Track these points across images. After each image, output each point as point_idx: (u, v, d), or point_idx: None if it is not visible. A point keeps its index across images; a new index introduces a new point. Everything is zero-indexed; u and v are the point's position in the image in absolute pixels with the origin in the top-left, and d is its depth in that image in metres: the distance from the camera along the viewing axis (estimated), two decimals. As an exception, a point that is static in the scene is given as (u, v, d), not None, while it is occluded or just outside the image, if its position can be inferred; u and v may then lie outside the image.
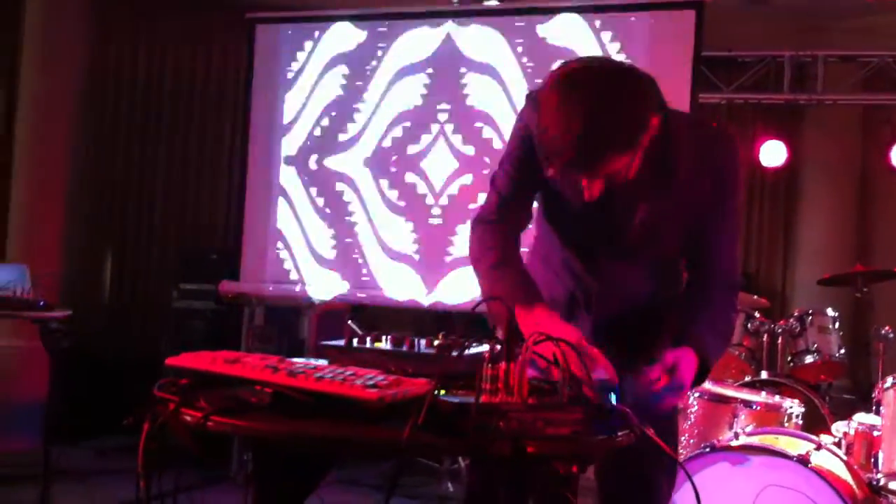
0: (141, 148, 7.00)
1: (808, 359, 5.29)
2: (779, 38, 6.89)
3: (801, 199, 7.77)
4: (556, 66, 2.05)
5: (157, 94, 7.01)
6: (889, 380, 3.38)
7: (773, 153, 6.99)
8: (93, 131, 6.86)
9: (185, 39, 6.95)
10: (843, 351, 5.35)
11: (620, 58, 5.01)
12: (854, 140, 7.50)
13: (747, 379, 5.02)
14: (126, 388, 6.17)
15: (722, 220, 2.24)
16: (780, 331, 5.39)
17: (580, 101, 1.91)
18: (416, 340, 2.05)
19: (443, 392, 1.69)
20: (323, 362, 1.90)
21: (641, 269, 2.30)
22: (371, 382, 1.65)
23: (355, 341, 2.02)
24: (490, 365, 1.69)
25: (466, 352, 1.90)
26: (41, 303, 4.51)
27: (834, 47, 6.71)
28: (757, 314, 5.42)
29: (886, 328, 4.84)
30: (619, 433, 1.75)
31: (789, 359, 5.37)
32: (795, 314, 5.48)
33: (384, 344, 2.05)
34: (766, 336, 5.39)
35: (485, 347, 1.81)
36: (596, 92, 1.92)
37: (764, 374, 5.15)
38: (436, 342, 2.03)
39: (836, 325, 5.40)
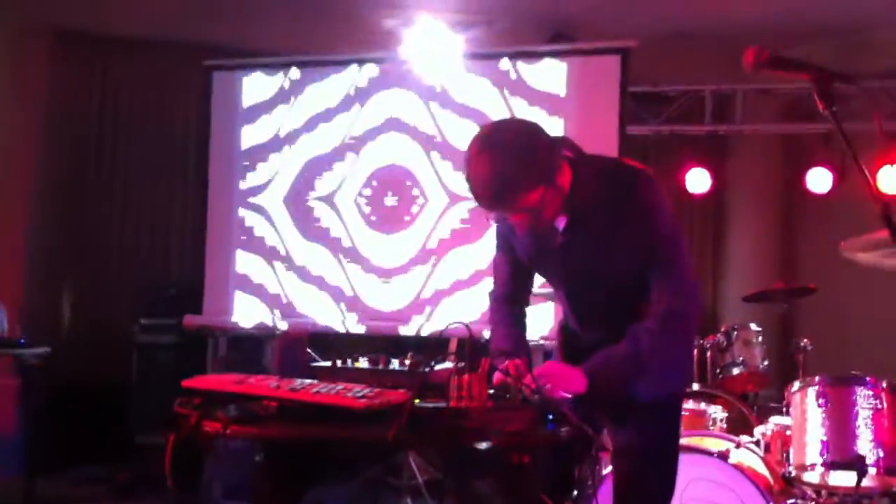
0: (100, 186, 7.21)
1: (735, 370, 5.61)
2: (702, 71, 7.34)
3: (727, 222, 8.24)
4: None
5: (117, 133, 7.21)
6: (796, 384, 3.83)
7: (698, 180, 7.42)
8: (53, 169, 7.07)
9: (144, 80, 7.20)
10: (766, 362, 5.71)
11: (554, 98, 5.52)
12: (774, 166, 7.98)
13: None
14: (95, 420, 6.47)
15: (651, 255, 2.52)
16: (708, 345, 5.77)
17: (489, 154, 2.36)
18: (389, 360, 2.43)
19: (418, 400, 2.08)
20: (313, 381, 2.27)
21: (602, 305, 2.67)
22: (360, 394, 2.02)
23: (339, 363, 2.39)
24: (457, 377, 2.08)
25: (435, 368, 2.29)
26: (21, 340, 4.77)
27: (752, 81, 7.14)
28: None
29: (805, 341, 5.26)
30: (562, 430, 2.14)
31: (718, 371, 5.70)
32: (723, 329, 5.85)
33: (363, 364, 2.42)
34: (696, 351, 5.78)
35: (448, 365, 2.21)
36: (501, 145, 2.37)
37: (696, 386, 5.53)
38: (407, 361, 2.41)
39: (760, 338, 5.76)
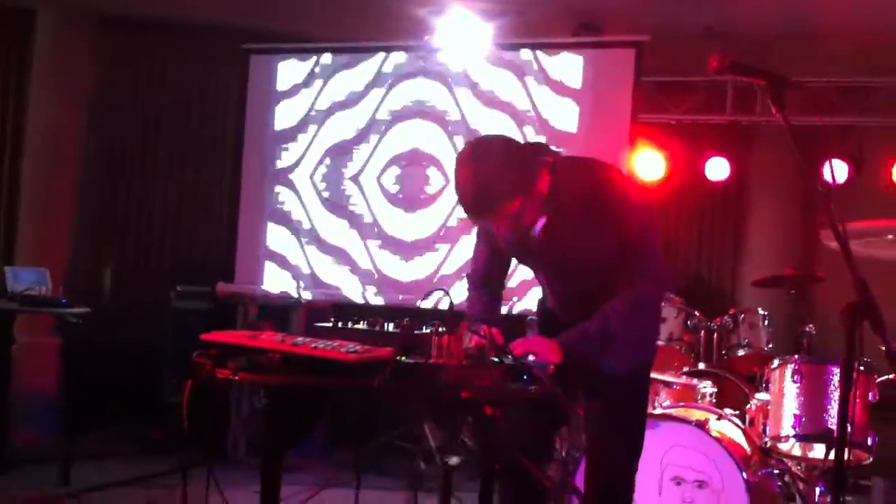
0: (142, 161, 7.59)
1: (741, 352, 5.86)
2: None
3: (747, 210, 8.41)
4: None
5: (158, 112, 7.59)
6: (776, 361, 4.10)
7: (716, 168, 7.65)
8: (98, 144, 7.46)
9: (184, 65, 7.55)
10: (771, 345, 5.93)
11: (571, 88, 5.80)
12: (793, 156, 8.12)
13: (685, 369, 5.68)
14: (131, 381, 6.85)
15: (622, 244, 2.82)
16: (715, 327, 6.00)
17: (472, 169, 2.69)
18: (385, 323, 2.74)
19: (403, 357, 2.39)
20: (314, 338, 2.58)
21: (577, 290, 2.98)
22: (352, 349, 2.34)
23: (339, 324, 2.71)
24: (437, 338, 2.39)
25: (419, 331, 2.60)
26: (63, 300, 5.15)
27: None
28: (697, 313, 6.04)
29: (810, 325, 5.48)
30: (532, 387, 2.45)
31: (724, 352, 5.94)
32: (730, 312, 6.09)
33: (362, 325, 2.74)
34: (703, 332, 6.01)
35: (430, 329, 2.52)
36: (482, 161, 2.69)
37: (702, 366, 5.77)
38: (400, 326, 2.72)
39: (766, 322, 5.99)
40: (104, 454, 6.18)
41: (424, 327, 2.62)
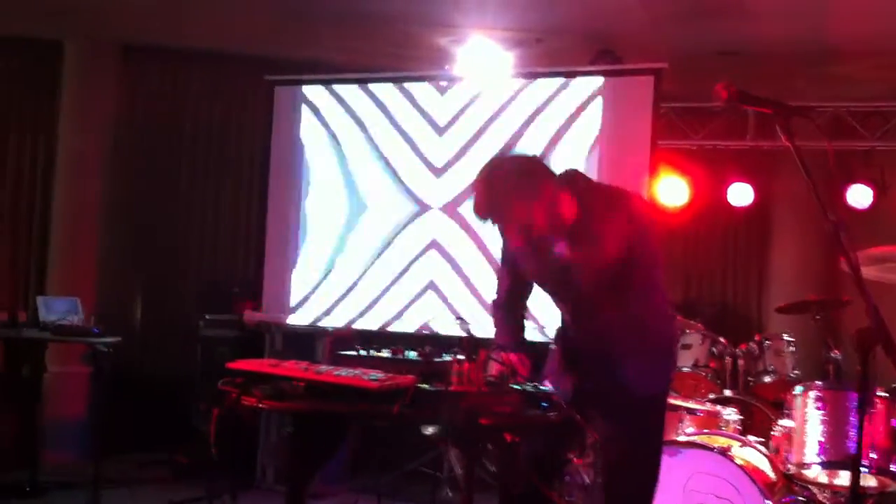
0: (168, 191, 7.69)
1: (766, 378, 5.86)
2: (745, 88, 7.55)
3: (771, 235, 8.42)
4: None
5: (183, 141, 7.71)
6: (798, 388, 4.09)
7: (740, 194, 7.67)
8: (124, 173, 7.58)
9: (209, 94, 7.68)
10: (797, 371, 5.92)
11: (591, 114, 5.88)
12: (817, 181, 8.11)
13: (711, 396, 5.67)
14: (161, 407, 6.93)
15: (633, 270, 2.93)
16: (741, 353, 5.98)
17: (485, 177, 2.86)
18: (405, 351, 2.79)
19: (424, 385, 2.44)
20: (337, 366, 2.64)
21: (589, 305, 3.03)
22: (374, 377, 2.39)
23: (363, 352, 2.76)
24: (457, 365, 2.44)
25: (440, 359, 2.66)
26: (95, 329, 5.24)
27: (793, 99, 7.33)
28: (722, 339, 6.03)
29: (835, 351, 5.47)
30: (551, 413, 2.49)
31: (750, 378, 5.95)
32: (756, 339, 6.07)
33: (384, 353, 2.79)
34: (728, 359, 6.00)
35: (450, 357, 2.57)
36: (499, 167, 2.87)
37: (728, 392, 5.76)
38: (421, 353, 2.77)
39: (792, 348, 5.98)
40: (133, 480, 6.24)
41: (445, 355, 2.67)
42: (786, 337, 6.00)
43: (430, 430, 2.56)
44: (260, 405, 2.37)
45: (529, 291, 3.26)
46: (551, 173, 2.94)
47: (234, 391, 2.45)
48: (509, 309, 3.24)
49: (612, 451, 3.05)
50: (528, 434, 2.54)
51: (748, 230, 8.45)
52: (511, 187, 2.80)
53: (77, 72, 7.44)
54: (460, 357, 2.45)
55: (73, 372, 6.93)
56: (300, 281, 6.63)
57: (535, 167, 2.90)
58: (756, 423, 5.37)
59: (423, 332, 6.13)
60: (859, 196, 7.47)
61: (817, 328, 6.41)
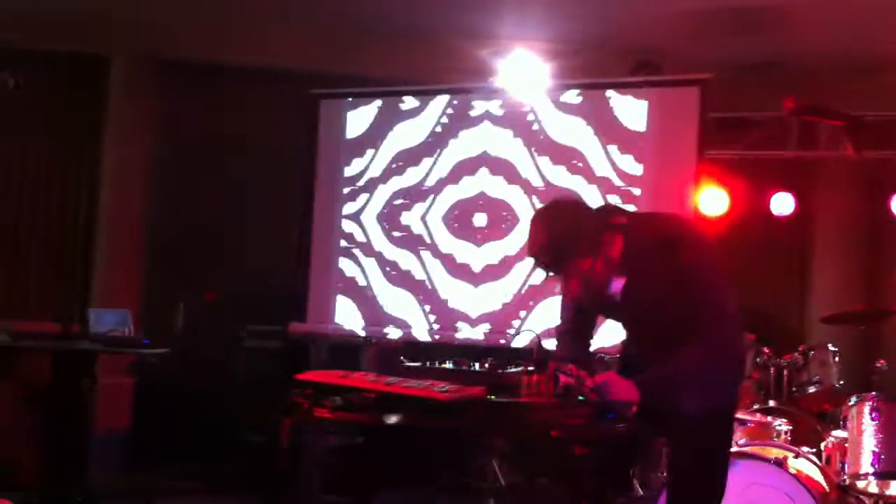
0: (210, 207, 7.78)
1: (811, 389, 5.81)
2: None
3: (813, 245, 8.37)
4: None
5: (225, 154, 7.76)
6: (853, 398, 4.09)
7: (782, 204, 7.64)
8: (167, 187, 7.67)
9: (252, 108, 7.73)
10: (842, 382, 5.88)
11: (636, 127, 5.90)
12: (859, 191, 8.10)
13: (756, 406, 5.65)
14: (204, 418, 7.00)
15: (697, 301, 2.95)
16: (785, 364, 5.96)
17: (542, 228, 2.92)
18: (471, 363, 2.83)
19: (492, 396, 2.47)
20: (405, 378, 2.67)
21: (657, 338, 3.06)
22: (444, 389, 2.42)
23: (427, 363, 2.79)
24: (527, 377, 2.46)
25: (504, 370, 2.69)
26: (145, 341, 5.32)
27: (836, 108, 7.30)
28: (766, 350, 6.00)
29: (882, 362, 5.44)
30: (619, 425, 2.51)
31: (794, 389, 5.91)
32: (800, 349, 6.04)
33: (447, 365, 2.82)
34: (772, 369, 5.97)
35: (519, 368, 2.60)
36: (553, 221, 2.93)
37: (772, 403, 5.74)
38: (486, 365, 2.80)
39: (836, 358, 5.93)
40: (179, 491, 6.30)
41: (509, 367, 2.70)
42: (830, 347, 5.97)
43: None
44: (332, 416, 2.40)
45: (594, 322, 3.34)
46: (602, 217, 3.00)
47: (306, 402, 2.49)
48: (573, 334, 3.29)
49: (677, 466, 3.07)
50: (597, 446, 2.56)
51: (789, 240, 8.41)
52: (571, 245, 2.87)
53: (122, 86, 7.55)
54: (529, 369, 2.48)
55: (116, 383, 7.01)
56: (345, 292, 6.68)
57: (587, 217, 2.97)
58: (801, 434, 5.34)
59: (473, 343, 6.15)
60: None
61: (861, 338, 6.40)
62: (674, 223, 3.11)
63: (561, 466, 2.53)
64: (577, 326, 3.30)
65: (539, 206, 3.10)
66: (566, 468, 2.51)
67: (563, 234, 2.86)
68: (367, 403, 2.46)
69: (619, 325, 3.30)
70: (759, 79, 7.35)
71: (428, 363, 2.82)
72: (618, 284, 3.00)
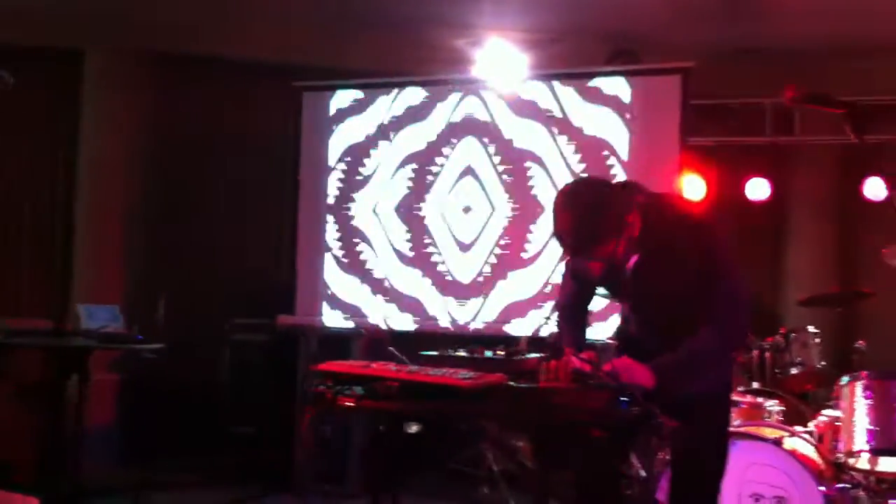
0: (192, 201, 7.75)
1: (793, 370, 5.89)
2: (763, 85, 7.65)
3: (787, 229, 8.51)
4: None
5: (212, 146, 7.74)
6: (845, 378, 4.20)
7: (757, 189, 7.76)
8: (152, 180, 7.63)
9: (234, 100, 7.72)
10: (823, 362, 6.00)
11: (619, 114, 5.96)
12: (833, 175, 8.25)
13: (741, 388, 5.75)
14: (189, 412, 6.99)
15: (711, 284, 2.97)
16: (767, 347, 6.06)
17: (570, 213, 2.87)
18: (483, 350, 2.87)
19: (511, 382, 2.52)
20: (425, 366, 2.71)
21: (663, 322, 3.11)
22: (466, 376, 2.46)
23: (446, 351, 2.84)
24: (545, 363, 2.52)
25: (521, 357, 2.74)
26: (138, 336, 5.31)
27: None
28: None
29: (860, 342, 5.56)
30: (633, 409, 2.57)
31: (777, 371, 6.02)
32: (781, 332, 6.15)
33: (462, 353, 2.87)
34: (755, 352, 6.08)
35: (535, 355, 2.65)
36: (580, 206, 2.88)
37: (755, 385, 5.85)
38: (500, 352, 2.85)
39: (817, 340, 6.04)
40: (174, 485, 6.30)
41: (523, 354, 2.75)
42: (811, 329, 6.08)
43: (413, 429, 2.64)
44: (359, 405, 2.44)
45: (592, 298, 3.35)
46: (625, 197, 2.98)
47: (329, 392, 2.52)
48: (573, 312, 3.33)
49: (682, 448, 3.13)
50: (615, 429, 2.62)
51: (764, 225, 8.53)
52: (600, 227, 2.85)
53: (99, 79, 7.49)
54: (546, 355, 2.53)
55: (101, 380, 6.97)
56: (332, 284, 6.71)
57: (615, 199, 2.94)
58: (786, 415, 5.44)
59: (464, 332, 6.22)
60: (875, 189, 7.57)
61: (838, 320, 6.53)
62: (692, 206, 3.18)
63: (580, 450, 2.57)
64: (577, 300, 3.33)
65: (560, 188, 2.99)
66: (585, 452, 2.56)
67: (593, 217, 2.85)
68: (390, 392, 2.49)
69: (619, 303, 3.32)
70: (735, 66, 7.45)
71: (444, 351, 2.85)
72: (633, 261, 3.02)
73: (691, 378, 2.91)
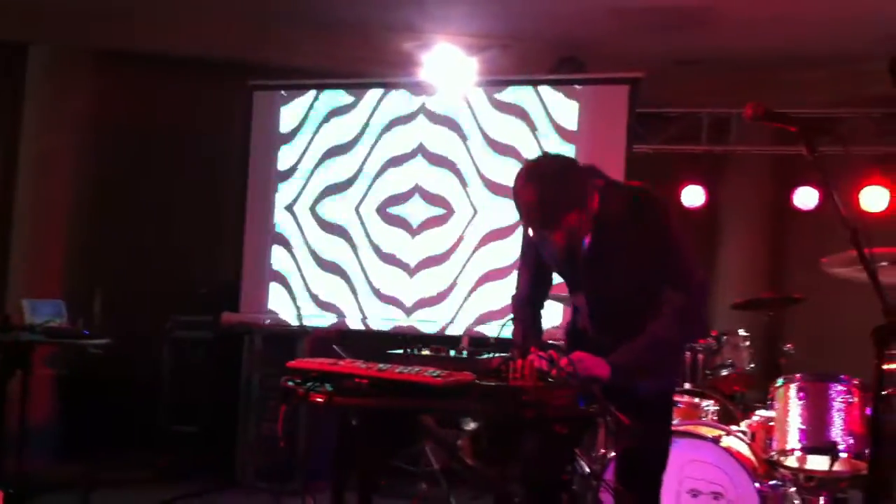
0: (139, 196, 7.71)
1: (724, 372, 6.06)
2: (700, 95, 7.90)
3: (720, 235, 8.77)
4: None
5: (158, 144, 7.71)
6: (780, 380, 4.40)
7: (692, 196, 8.00)
8: (94, 179, 7.57)
9: (180, 96, 7.67)
10: (753, 365, 6.19)
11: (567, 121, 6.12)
12: (764, 184, 8.54)
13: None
14: (131, 409, 6.95)
15: (665, 266, 3.07)
16: (700, 349, 6.26)
17: (534, 185, 2.93)
18: (447, 350, 2.97)
19: (479, 381, 2.62)
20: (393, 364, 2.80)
21: (617, 309, 3.19)
22: (436, 374, 2.56)
23: (408, 351, 2.93)
24: (512, 362, 2.63)
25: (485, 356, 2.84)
26: (85, 331, 5.29)
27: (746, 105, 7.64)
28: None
29: (789, 346, 5.78)
30: (591, 406, 2.70)
31: (708, 372, 6.20)
32: (713, 334, 6.35)
33: (425, 352, 2.96)
34: (688, 353, 6.27)
35: (499, 354, 2.77)
36: (544, 177, 2.95)
37: (687, 386, 6.03)
38: (464, 352, 2.95)
39: (748, 343, 6.26)
40: (117, 482, 6.27)
41: (489, 353, 2.86)
42: (742, 332, 6.29)
43: (470, 426, 2.72)
44: (332, 402, 2.52)
45: (549, 288, 3.43)
46: (586, 175, 3.06)
47: (301, 389, 2.60)
48: (530, 304, 3.39)
49: (626, 441, 3.25)
50: (573, 426, 2.74)
51: (698, 231, 8.78)
52: (564, 198, 2.92)
53: (42, 75, 7.41)
54: (511, 354, 2.64)
55: (37, 374, 6.90)
56: (278, 282, 6.75)
57: (577, 171, 3.02)
58: (717, 415, 5.63)
59: (408, 331, 6.33)
60: (806, 198, 7.87)
61: (767, 324, 6.77)
62: (648, 191, 3.18)
63: (542, 446, 2.68)
64: (533, 292, 3.40)
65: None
66: (547, 448, 2.68)
67: (559, 186, 2.92)
68: (360, 389, 2.58)
69: (570, 295, 3.38)
70: (676, 75, 7.67)
71: (408, 350, 2.94)
72: (587, 240, 3.09)
73: (646, 370, 3.01)
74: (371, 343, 6.49)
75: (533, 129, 6.36)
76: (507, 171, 6.39)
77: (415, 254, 6.54)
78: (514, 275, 3.48)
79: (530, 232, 3.10)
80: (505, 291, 3.57)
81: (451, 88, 6.72)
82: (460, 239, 6.43)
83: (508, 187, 3.04)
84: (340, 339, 6.39)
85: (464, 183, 6.46)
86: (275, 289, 6.78)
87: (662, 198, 3.19)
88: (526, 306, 3.39)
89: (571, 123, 6.26)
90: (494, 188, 6.37)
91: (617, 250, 3.09)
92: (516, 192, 2.97)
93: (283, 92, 6.88)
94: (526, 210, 2.96)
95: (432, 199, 6.53)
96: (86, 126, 7.51)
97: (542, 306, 3.44)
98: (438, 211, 6.52)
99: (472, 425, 2.72)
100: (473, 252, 6.46)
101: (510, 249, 6.12)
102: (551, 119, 6.31)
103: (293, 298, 6.75)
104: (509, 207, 3.23)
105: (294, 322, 6.64)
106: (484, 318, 6.32)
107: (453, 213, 6.47)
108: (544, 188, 2.91)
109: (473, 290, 6.39)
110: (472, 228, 6.41)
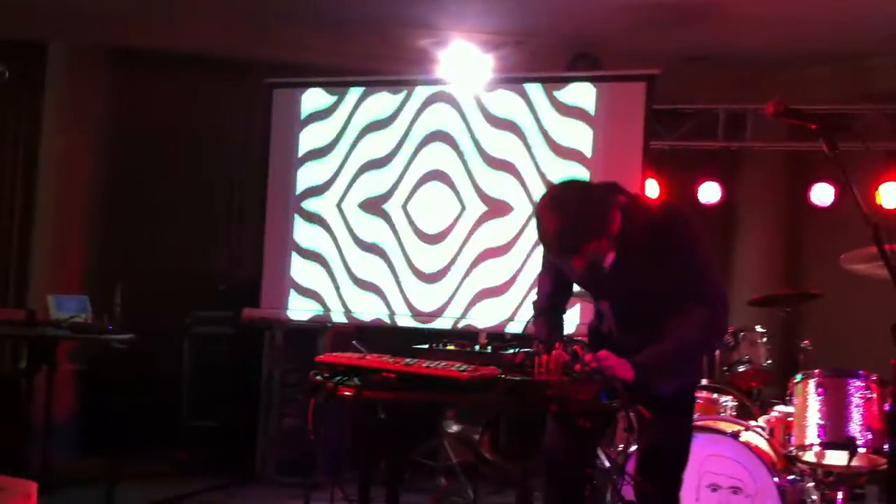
0: (158, 194, 7.75)
1: (741, 368, 6.09)
2: (716, 92, 7.92)
3: (737, 232, 8.77)
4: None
5: (176, 142, 7.74)
6: (798, 376, 4.44)
7: (709, 192, 8.02)
8: (113, 178, 7.63)
9: (200, 96, 7.70)
10: (770, 361, 6.20)
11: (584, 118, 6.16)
12: (781, 180, 8.55)
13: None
14: (152, 405, 7.01)
15: (689, 279, 3.12)
16: (717, 345, 6.28)
17: (557, 214, 2.96)
18: (472, 345, 3.03)
19: (504, 375, 2.68)
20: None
21: (642, 317, 3.22)
22: (463, 368, 2.61)
23: (434, 346, 2.98)
24: (537, 357, 2.68)
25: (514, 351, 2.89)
26: (109, 327, 5.36)
27: (762, 101, 7.63)
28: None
29: (806, 342, 5.81)
30: (614, 402, 2.74)
31: (725, 368, 6.22)
32: (731, 331, 6.37)
33: (451, 347, 3.02)
34: (706, 350, 6.29)
35: (524, 350, 2.82)
36: (566, 206, 2.98)
37: (704, 382, 6.05)
38: (488, 347, 3.00)
39: (765, 339, 6.27)
40: (134, 476, 6.34)
41: (514, 348, 2.92)
42: (759, 329, 6.31)
43: (453, 429, 2.79)
44: (360, 396, 2.57)
45: (570, 296, 3.49)
46: (608, 197, 3.10)
47: (331, 382, 2.65)
48: (550, 311, 3.43)
49: (648, 436, 3.30)
50: (597, 420, 2.79)
51: (714, 227, 8.78)
52: (586, 228, 2.95)
53: (61, 74, 7.46)
54: (536, 350, 2.69)
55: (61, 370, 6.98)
56: (299, 278, 6.80)
57: (599, 199, 3.05)
58: (734, 411, 5.67)
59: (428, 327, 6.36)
60: (822, 195, 7.87)
61: (784, 320, 6.79)
62: (671, 210, 3.24)
63: (565, 440, 2.73)
64: (554, 300, 3.44)
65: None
66: (570, 442, 2.73)
67: (579, 217, 2.95)
68: (388, 383, 2.63)
69: (594, 300, 3.46)
70: (691, 71, 7.69)
71: (434, 345, 2.99)
72: (610, 258, 3.14)
73: (668, 374, 3.06)
74: (389, 339, 6.55)
75: (543, 126, 6.37)
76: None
77: (430, 255, 6.60)
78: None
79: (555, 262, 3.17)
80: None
81: (470, 85, 6.73)
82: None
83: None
84: (358, 334, 6.46)
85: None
86: (295, 285, 6.80)
87: (686, 214, 3.25)
88: (544, 313, 3.44)
89: (587, 121, 6.26)
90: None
91: (641, 269, 3.14)
92: (538, 214, 3.02)
93: (301, 90, 6.90)
94: (546, 237, 3.02)
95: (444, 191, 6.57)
96: (106, 124, 7.55)
97: (563, 311, 3.49)
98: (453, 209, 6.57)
99: (454, 427, 2.79)
100: (474, 253, 6.51)
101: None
102: (569, 116, 6.32)
103: (313, 294, 6.78)
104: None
105: (314, 317, 6.65)
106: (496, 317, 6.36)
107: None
108: (566, 218, 2.94)
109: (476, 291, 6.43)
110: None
